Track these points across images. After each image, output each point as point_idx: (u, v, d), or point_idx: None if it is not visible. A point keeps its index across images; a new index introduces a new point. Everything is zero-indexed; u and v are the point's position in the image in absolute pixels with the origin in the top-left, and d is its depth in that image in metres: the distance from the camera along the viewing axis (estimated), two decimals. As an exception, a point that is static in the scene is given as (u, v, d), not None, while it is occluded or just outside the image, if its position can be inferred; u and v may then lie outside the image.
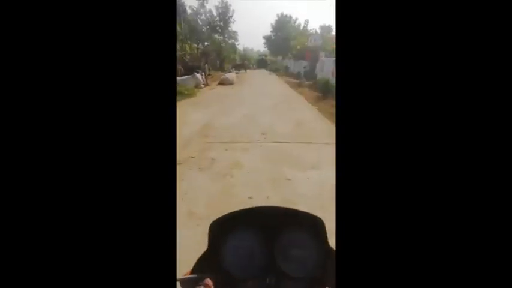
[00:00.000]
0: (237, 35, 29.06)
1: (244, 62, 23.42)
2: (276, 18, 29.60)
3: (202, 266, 0.43)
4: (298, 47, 17.19)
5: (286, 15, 29.35)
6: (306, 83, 12.05)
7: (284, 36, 28.48)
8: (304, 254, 0.43)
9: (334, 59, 11.31)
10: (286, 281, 0.42)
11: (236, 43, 30.01)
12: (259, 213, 0.46)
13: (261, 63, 30.15)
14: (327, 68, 10.88)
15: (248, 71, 22.38)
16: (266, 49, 34.15)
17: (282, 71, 22.19)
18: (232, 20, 24.47)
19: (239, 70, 19.71)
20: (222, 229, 0.45)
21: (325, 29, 23.85)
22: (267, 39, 31.59)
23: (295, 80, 14.03)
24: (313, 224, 0.44)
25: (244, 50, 38.07)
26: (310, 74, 15.83)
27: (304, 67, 15.67)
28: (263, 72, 22.12)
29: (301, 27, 27.92)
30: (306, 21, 31.15)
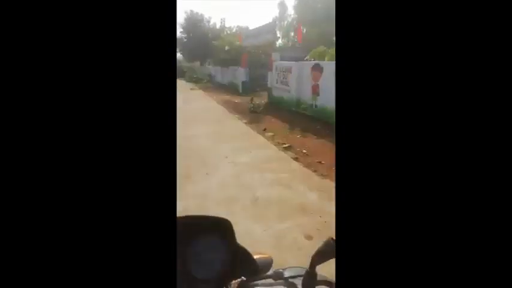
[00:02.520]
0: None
1: None
2: (185, 16, 24.22)
3: None
4: (227, 47, 12.51)
5: (196, 13, 24.34)
6: (255, 104, 7.47)
7: (199, 38, 23.46)
8: (213, 256, 0.45)
9: (306, 61, 7.25)
10: (198, 283, 0.44)
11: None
12: None
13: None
14: (297, 77, 6.63)
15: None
16: (180, 54, 28.17)
17: (206, 82, 17.11)
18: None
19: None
20: None
21: (243, 30, 20.15)
22: (178, 42, 25.81)
23: (233, 99, 9.32)
24: (220, 227, 0.46)
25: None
26: (252, 88, 11.49)
27: (243, 82, 11.15)
28: (181, 86, 16.33)
29: (218, 27, 23.53)
30: (223, 20, 26.95)
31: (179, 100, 9.24)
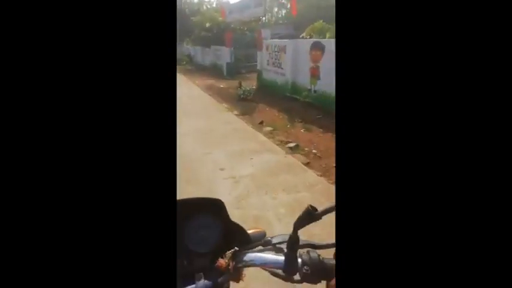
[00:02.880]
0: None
1: None
2: (158, -11, 21.72)
3: None
4: (208, 24, 11.13)
5: (171, -14, 21.89)
6: (245, 90, 6.54)
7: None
8: (208, 232, 0.50)
9: (304, 39, 6.26)
10: (197, 258, 0.48)
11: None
12: None
13: (151, 52, 22.11)
14: (293, 57, 5.73)
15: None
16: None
17: (185, 64, 15.63)
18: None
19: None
20: None
21: (226, 4, 18.17)
22: (152, 19, 23.47)
23: (218, 83, 8.24)
24: (213, 206, 0.50)
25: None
26: (237, 70, 10.38)
27: (228, 63, 9.95)
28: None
29: (196, 1, 21.40)
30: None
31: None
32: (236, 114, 5.11)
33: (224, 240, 0.50)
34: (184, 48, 20.93)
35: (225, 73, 10.26)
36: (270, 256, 0.46)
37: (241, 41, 10.91)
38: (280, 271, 0.44)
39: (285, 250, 0.45)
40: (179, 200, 0.46)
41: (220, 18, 10.93)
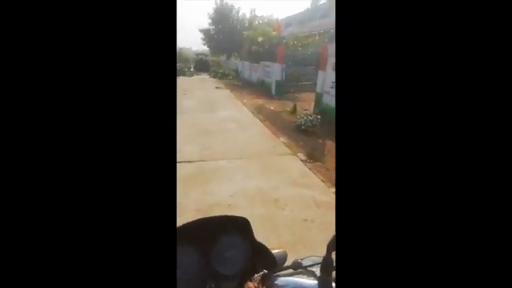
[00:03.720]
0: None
1: None
2: (215, 6, 22.42)
3: None
4: (261, 39, 10.44)
5: (226, 3, 22.43)
6: (306, 118, 5.20)
7: (227, 29, 21.64)
8: (235, 253, 0.49)
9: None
10: (223, 280, 0.47)
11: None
12: (194, 228, 0.49)
13: (201, 65, 22.41)
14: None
15: (182, 79, 14.69)
16: (206, 47, 26.56)
17: (232, 79, 15.21)
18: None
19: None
20: None
21: (282, 20, 17.68)
22: (206, 33, 24.19)
23: (268, 104, 7.10)
24: (239, 225, 0.49)
25: (180, 49, 29.38)
26: (287, 89, 9.29)
27: (278, 81, 8.94)
28: (205, 82, 14.49)
29: (247, 18, 21.47)
30: (253, 10, 24.86)
31: (204, 104, 7.28)
32: (303, 161, 3.49)
33: (251, 261, 0.49)
34: (232, 62, 20.93)
35: (273, 92, 9.28)
36: (303, 281, 0.44)
37: (294, 58, 9.92)
38: None
39: (318, 273, 0.42)
40: (205, 218, 0.47)
41: (274, 33, 10.17)
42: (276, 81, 9.16)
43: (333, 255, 0.39)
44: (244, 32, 13.03)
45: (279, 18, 10.38)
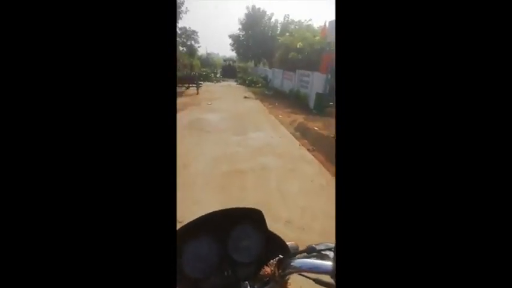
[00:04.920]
0: (197, 35, 21.25)
1: (192, 75, 12.30)
2: (246, 11, 21.57)
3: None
4: (300, 45, 9.04)
5: (258, 9, 21.48)
6: None
7: (257, 36, 20.63)
8: (251, 242, 0.51)
9: None
10: (240, 267, 0.50)
11: (196, 45, 21.63)
12: (210, 219, 0.51)
13: (228, 70, 21.44)
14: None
15: (208, 85, 13.70)
16: (234, 54, 25.76)
17: (260, 87, 13.95)
18: (183, 11, 15.98)
19: (188, 86, 10.93)
20: (180, 240, 0.49)
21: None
22: (235, 39, 23.39)
23: (309, 121, 5.52)
24: (254, 216, 0.52)
25: (208, 54, 28.93)
26: (326, 104, 7.77)
27: (319, 94, 7.38)
28: (231, 89, 13.33)
29: (280, 24, 20.30)
30: (287, 16, 23.67)
31: (231, 119, 5.85)
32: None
33: (265, 249, 0.52)
34: (260, 69, 19.79)
35: (312, 105, 7.85)
36: (318, 261, 0.44)
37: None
38: (327, 278, 0.41)
39: (332, 257, 0.43)
40: (220, 210, 0.49)
41: (316, 38, 8.75)
42: (317, 93, 7.70)
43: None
44: (279, 38, 11.76)
45: (327, 21, 8.88)
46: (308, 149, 4.29)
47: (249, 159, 3.69)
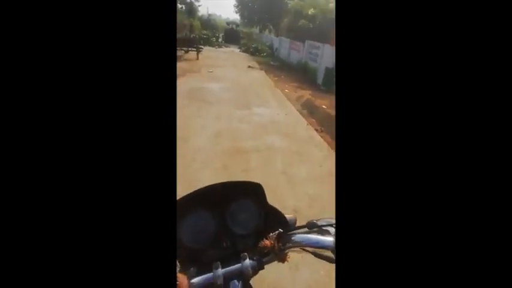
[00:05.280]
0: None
1: (192, 37, 11.12)
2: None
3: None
4: (312, 11, 8.22)
5: (267, -34, 19.48)
6: None
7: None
8: (249, 215, 0.51)
9: None
10: (238, 239, 0.50)
11: (197, 4, 19.85)
12: (210, 191, 0.51)
13: (231, 35, 19.99)
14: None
15: (209, 50, 12.84)
16: (238, 17, 23.98)
17: (265, 56, 13.14)
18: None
19: (187, 50, 10.16)
20: (179, 211, 0.48)
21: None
22: (239, 0, 21.61)
23: (317, 99, 5.10)
24: (253, 189, 0.51)
25: (209, 15, 26.81)
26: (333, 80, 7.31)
27: (329, 69, 6.94)
28: (234, 56, 12.52)
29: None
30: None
31: (234, 90, 5.41)
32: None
33: (264, 222, 0.52)
34: (266, 36, 18.55)
35: (320, 81, 7.40)
36: (319, 237, 0.44)
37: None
38: (328, 253, 0.42)
39: (332, 233, 0.44)
40: (219, 183, 0.50)
41: (330, 5, 7.95)
42: (327, 68, 7.21)
43: None
44: (288, 1, 10.73)
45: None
46: (316, 130, 4.01)
47: (253, 138, 3.42)
